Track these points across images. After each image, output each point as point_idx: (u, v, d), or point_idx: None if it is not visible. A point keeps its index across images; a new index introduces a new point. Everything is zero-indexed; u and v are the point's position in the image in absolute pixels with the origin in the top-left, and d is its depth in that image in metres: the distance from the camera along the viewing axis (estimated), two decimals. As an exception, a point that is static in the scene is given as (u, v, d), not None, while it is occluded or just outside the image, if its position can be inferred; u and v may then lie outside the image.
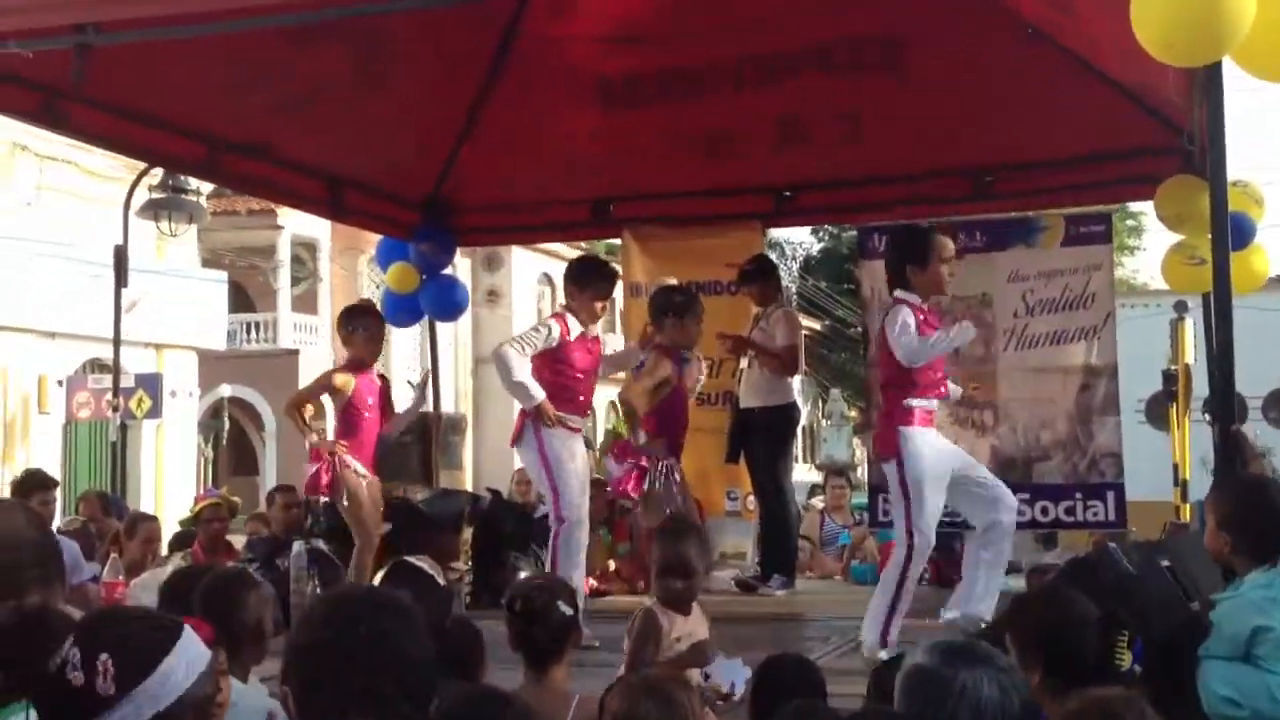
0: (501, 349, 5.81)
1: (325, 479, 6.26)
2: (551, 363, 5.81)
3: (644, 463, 5.80)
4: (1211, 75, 4.08)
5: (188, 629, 1.97)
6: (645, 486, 5.78)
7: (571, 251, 27.49)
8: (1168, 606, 3.51)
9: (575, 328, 5.84)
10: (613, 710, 2.42)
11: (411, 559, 4.12)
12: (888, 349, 5.10)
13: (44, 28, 4.85)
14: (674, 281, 7.30)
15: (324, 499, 6.65)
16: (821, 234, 35.54)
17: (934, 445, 5.11)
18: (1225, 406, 3.87)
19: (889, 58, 7.12)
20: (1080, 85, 6.52)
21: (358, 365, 6.53)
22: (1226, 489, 3.71)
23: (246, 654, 3.06)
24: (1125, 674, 3.14)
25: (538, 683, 3.22)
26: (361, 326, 6.56)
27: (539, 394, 5.69)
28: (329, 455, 6.26)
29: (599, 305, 5.92)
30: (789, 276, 34.01)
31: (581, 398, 5.94)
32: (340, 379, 6.48)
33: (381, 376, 6.80)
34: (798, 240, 36.32)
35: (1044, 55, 6.48)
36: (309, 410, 6.62)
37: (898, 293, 5.18)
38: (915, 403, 5.05)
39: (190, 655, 1.92)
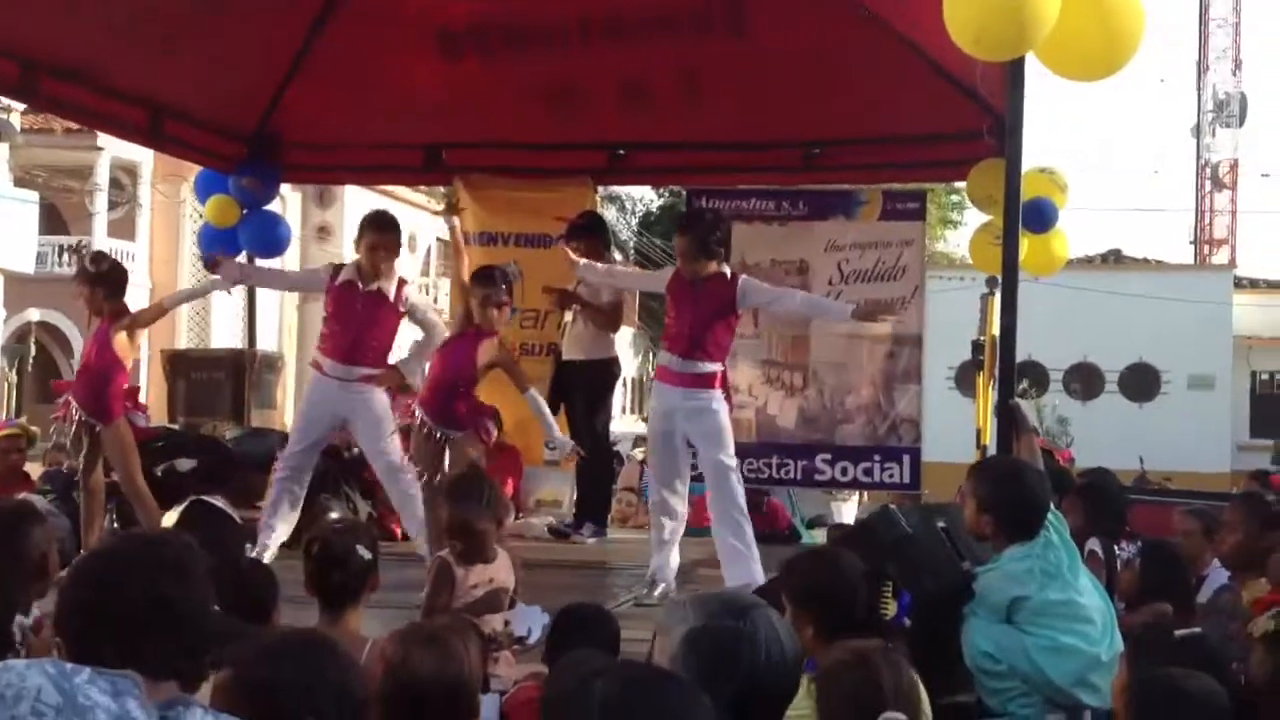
0: None
1: None
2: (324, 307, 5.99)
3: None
4: (1014, 69, 4.32)
5: None
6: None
7: (409, 193, 27.04)
8: (939, 565, 3.73)
9: (345, 275, 5.88)
10: (387, 658, 2.42)
11: (208, 497, 4.07)
12: None
13: None
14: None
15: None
16: (662, 191, 35.71)
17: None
18: (1005, 383, 4.12)
19: (732, 17, 7.20)
20: (907, 68, 6.73)
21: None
22: (984, 474, 3.81)
23: (29, 588, 3.00)
24: (895, 625, 3.34)
25: (333, 625, 3.21)
26: None
27: None
28: None
29: (370, 255, 5.84)
30: (628, 230, 34.14)
31: (332, 343, 5.88)
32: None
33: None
34: (638, 196, 36.44)
35: (875, 36, 6.67)
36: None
37: None
38: None
39: None
